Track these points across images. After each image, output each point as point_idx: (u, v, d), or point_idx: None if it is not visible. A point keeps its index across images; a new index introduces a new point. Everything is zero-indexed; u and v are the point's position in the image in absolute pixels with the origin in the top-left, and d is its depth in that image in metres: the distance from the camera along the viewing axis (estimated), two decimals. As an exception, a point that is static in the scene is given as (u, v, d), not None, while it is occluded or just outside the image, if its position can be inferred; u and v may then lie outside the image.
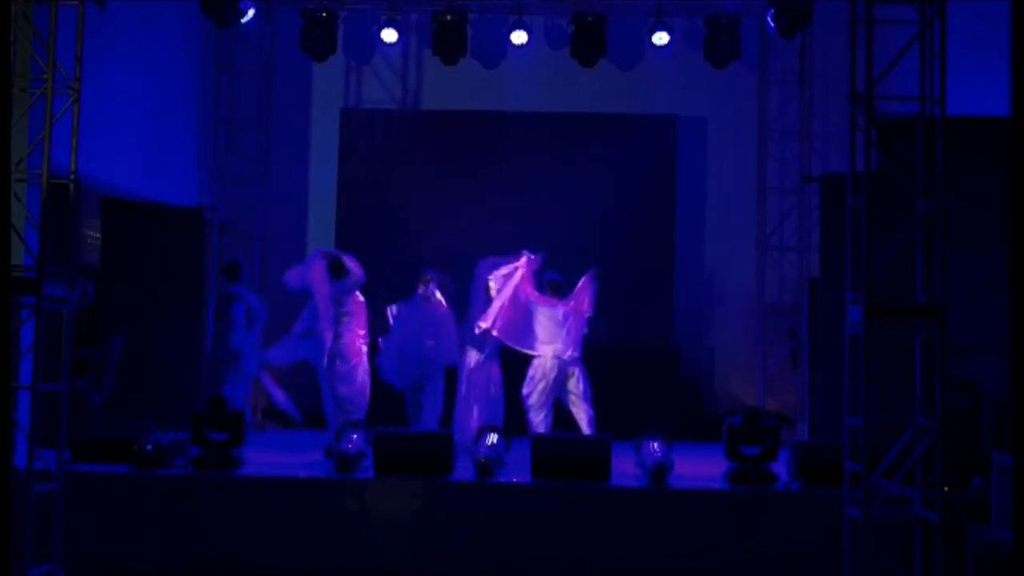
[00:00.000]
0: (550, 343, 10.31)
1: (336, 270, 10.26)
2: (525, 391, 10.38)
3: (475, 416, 10.37)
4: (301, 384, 11.39)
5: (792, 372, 13.12)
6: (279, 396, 11.29)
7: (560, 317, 10.31)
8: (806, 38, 13.26)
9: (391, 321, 10.64)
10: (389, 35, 13.21)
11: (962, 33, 7.75)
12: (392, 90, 14.07)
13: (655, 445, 8.84)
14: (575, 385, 10.35)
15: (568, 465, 8.50)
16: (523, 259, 10.44)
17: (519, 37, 13.09)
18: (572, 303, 10.37)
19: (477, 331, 10.38)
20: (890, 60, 7.09)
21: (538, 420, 10.33)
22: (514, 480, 8.55)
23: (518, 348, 10.40)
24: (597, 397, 10.45)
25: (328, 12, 13.09)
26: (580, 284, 10.40)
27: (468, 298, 10.69)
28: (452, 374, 10.69)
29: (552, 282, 10.52)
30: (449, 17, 12.96)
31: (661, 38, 12.97)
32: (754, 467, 8.54)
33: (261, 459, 9.23)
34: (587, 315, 10.39)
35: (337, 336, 10.24)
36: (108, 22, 10.68)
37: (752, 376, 13.49)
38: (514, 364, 10.59)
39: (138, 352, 10.75)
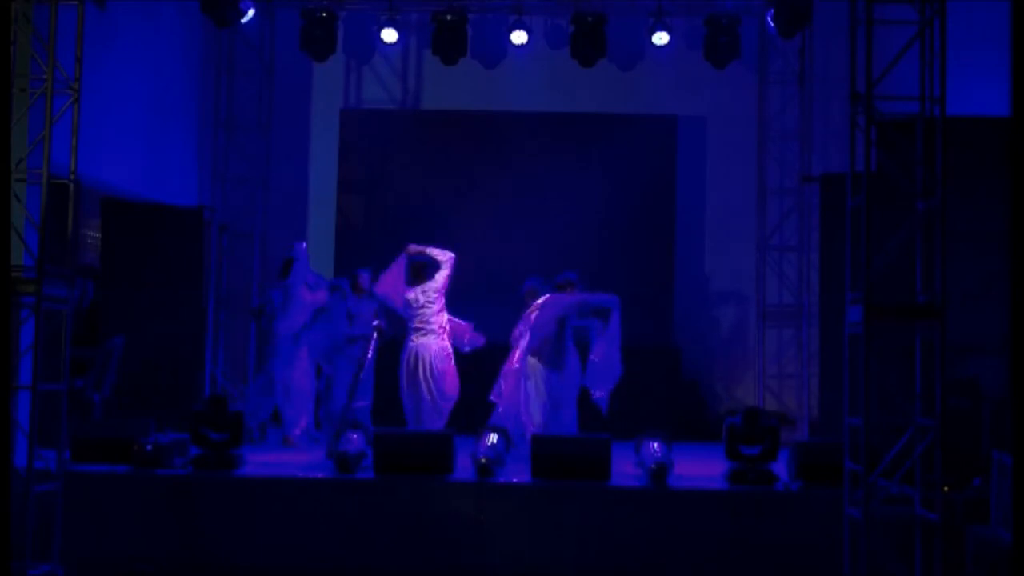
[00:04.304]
0: None
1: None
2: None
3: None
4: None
5: (792, 372, 13.14)
6: None
7: None
8: (806, 38, 13.24)
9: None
10: (389, 35, 13.19)
11: (962, 33, 7.76)
12: (392, 90, 14.06)
13: (655, 445, 8.83)
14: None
15: (568, 465, 8.49)
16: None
17: (519, 37, 13.07)
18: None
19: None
20: (890, 60, 7.09)
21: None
22: (514, 480, 8.55)
23: None
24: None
25: (328, 12, 13.09)
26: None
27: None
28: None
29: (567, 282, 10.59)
30: (449, 17, 12.95)
31: (661, 38, 12.96)
32: (754, 467, 8.54)
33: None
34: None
35: None
36: (108, 22, 10.69)
37: (752, 376, 13.49)
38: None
39: (138, 352, 10.76)
